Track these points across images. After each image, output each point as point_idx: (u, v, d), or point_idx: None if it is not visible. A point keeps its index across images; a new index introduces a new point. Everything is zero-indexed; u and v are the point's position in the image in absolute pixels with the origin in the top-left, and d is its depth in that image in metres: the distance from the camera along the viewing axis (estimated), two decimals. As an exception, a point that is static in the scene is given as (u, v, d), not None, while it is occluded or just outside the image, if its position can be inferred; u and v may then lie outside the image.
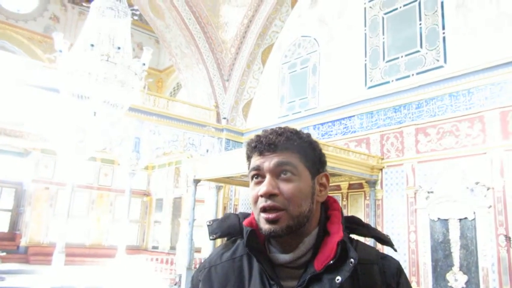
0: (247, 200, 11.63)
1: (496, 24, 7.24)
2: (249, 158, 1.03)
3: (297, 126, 10.05)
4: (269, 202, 0.93)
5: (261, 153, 0.98)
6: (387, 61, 8.87)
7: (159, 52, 17.01)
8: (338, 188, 9.32)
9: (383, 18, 9.10)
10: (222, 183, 10.71)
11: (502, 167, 6.78)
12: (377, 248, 1.10)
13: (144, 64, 4.85)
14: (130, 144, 10.13)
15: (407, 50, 8.51)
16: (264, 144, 0.98)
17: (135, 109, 9.90)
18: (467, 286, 6.89)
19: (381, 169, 8.48)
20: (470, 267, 6.92)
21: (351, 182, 9.04)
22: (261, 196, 0.94)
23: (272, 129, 1.03)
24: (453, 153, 7.41)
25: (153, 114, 10.50)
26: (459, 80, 7.53)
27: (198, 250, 11.16)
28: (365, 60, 9.31)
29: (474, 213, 7.00)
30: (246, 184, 10.64)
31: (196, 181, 9.84)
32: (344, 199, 9.17)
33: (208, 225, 1.08)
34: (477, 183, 7.01)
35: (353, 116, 9.25)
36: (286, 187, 0.95)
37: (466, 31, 7.64)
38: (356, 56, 9.49)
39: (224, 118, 11.80)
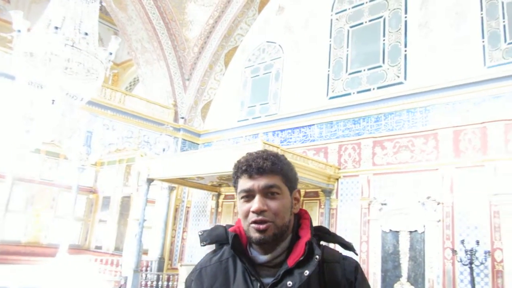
0: (199, 202, 11.42)
1: (455, 47, 7.59)
2: (237, 178, 1.21)
3: (256, 131, 10.04)
4: (260, 217, 1.13)
5: (250, 176, 1.16)
6: (349, 73, 9.06)
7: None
8: (294, 195, 9.33)
9: (348, 31, 9.30)
10: (176, 184, 10.44)
11: (452, 183, 7.07)
12: (339, 252, 1.31)
13: (111, 54, 4.59)
14: (81, 138, 9.63)
15: (370, 64, 8.73)
16: (253, 168, 1.16)
17: (89, 101, 9.43)
18: (413, 297, 7.09)
19: (338, 179, 8.60)
20: (417, 278, 7.13)
21: (308, 190, 9.09)
22: (253, 212, 1.14)
23: (257, 153, 1.21)
24: (408, 167, 7.64)
25: (108, 108, 10.06)
26: (417, 97, 7.81)
27: (146, 252, 10.79)
28: (328, 71, 9.45)
29: (424, 226, 7.24)
30: (200, 187, 10.45)
31: (149, 181, 9.53)
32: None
33: (199, 235, 1.26)
34: (428, 197, 7.26)
35: (313, 125, 9.34)
36: (272, 204, 1.16)
37: (427, 51, 7.94)
38: (320, 66, 9.62)
39: (182, 118, 11.54)
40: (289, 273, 1.13)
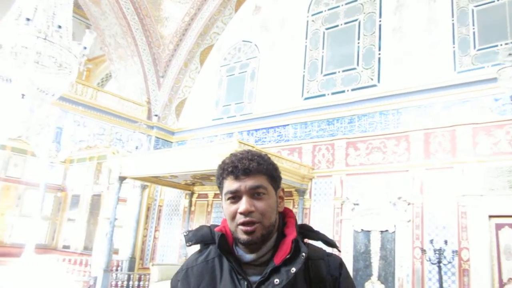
0: (172, 201, 11.30)
1: (427, 51, 7.80)
2: (223, 179, 1.21)
3: (231, 130, 10.02)
4: (248, 218, 1.13)
5: (237, 177, 1.17)
6: (324, 75, 9.16)
7: (88, 39, 15.90)
8: (267, 195, 9.36)
9: (324, 32, 9.40)
10: (148, 182, 10.30)
11: (422, 184, 7.26)
12: (323, 249, 1.34)
13: (85, 48, 4.46)
14: (50, 134, 9.36)
15: (344, 66, 8.86)
16: (239, 169, 1.16)
17: (59, 97, 9.17)
18: (383, 295, 7.24)
19: (311, 179, 8.68)
20: (387, 277, 7.29)
21: (281, 190, 9.13)
22: (241, 213, 1.14)
23: (242, 154, 1.21)
24: (380, 168, 7.80)
25: (79, 104, 9.81)
26: (390, 100, 7.97)
27: (116, 252, 10.59)
28: (304, 72, 9.53)
29: (395, 226, 7.41)
30: (173, 185, 10.34)
31: (122, 179, 9.36)
32: (273, 206, 9.23)
33: (184, 235, 1.27)
34: (399, 198, 7.43)
35: (288, 125, 9.40)
36: (259, 205, 1.16)
37: (400, 55, 8.13)
38: (295, 67, 9.69)
39: (156, 116, 11.39)
40: (276, 271, 1.15)
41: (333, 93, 8.89)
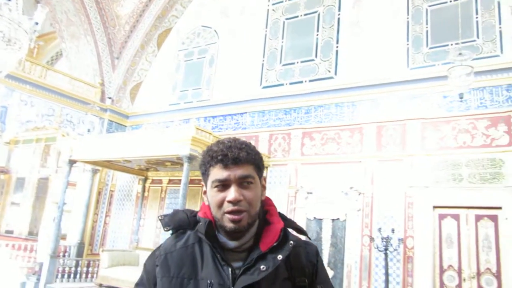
0: (124, 186, 11.06)
1: (383, 47, 8.04)
2: (210, 166, 1.20)
3: (188, 116, 9.91)
4: (236, 207, 1.14)
5: (226, 166, 1.16)
6: (283, 65, 9.23)
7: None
8: (223, 182, 9.38)
9: (284, 22, 9.45)
10: (100, 166, 10.01)
11: (373, 175, 7.55)
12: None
13: (37, 23, 4.21)
14: (-6, 113, 8.84)
15: (303, 57, 8.97)
16: (229, 158, 1.16)
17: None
18: (332, 281, 7.50)
19: (267, 167, 8.77)
20: (337, 263, 7.56)
21: (237, 177, 9.18)
22: (230, 201, 1.14)
23: (229, 142, 1.20)
24: (334, 158, 8.01)
25: (26, 82, 9.30)
26: (345, 92, 8.18)
27: (64, 237, 10.24)
28: (263, 61, 9.55)
29: (346, 214, 7.68)
30: (126, 170, 10.12)
31: (72, 162, 9.05)
32: (228, 194, 9.26)
33: (160, 219, 1.26)
34: (351, 188, 7.69)
35: (245, 113, 9.42)
36: (247, 194, 1.17)
37: (357, 49, 8.33)
38: (255, 55, 9.69)
39: (110, 98, 11.02)
40: (262, 257, 1.16)
41: (291, 83, 8.99)
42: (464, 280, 6.52)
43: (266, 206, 1.28)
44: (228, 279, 1.14)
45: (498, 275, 6.31)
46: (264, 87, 9.37)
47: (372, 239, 7.20)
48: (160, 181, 10.48)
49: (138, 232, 10.29)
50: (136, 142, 8.24)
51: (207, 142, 7.43)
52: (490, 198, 6.50)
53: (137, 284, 1.25)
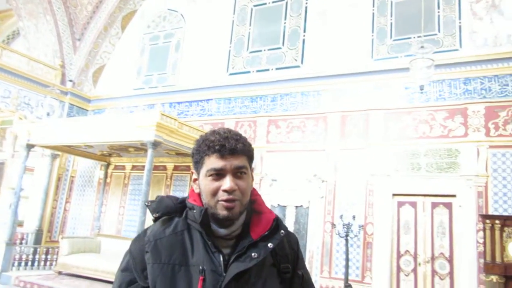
0: (86, 172, 10.79)
1: (348, 37, 8.17)
2: (205, 155, 1.22)
3: (153, 101, 9.76)
4: (231, 196, 1.18)
5: (222, 156, 1.20)
6: (250, 52, 9.21)
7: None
8: (188, 168, 9.34)
9: (252, 9, 9.40)
10: (60, 151, 9.71)
11: (336, 163, 7.71)
12: None
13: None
14: None
15: (270, 45, 8.98)
16: (227, 148, 1.20)
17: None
18: (295, 266, 7.65)
19: (232, 155, 8.77)
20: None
21: (202, 164, 9.13)
22: (225, 191, 1.18)
23: (225, 133, 1.24)
24: (299, 146, 8.12)
25: (-20, 62, 8.85)
26: (311, 81, 8.27)
27: (21, 224, 9.90)
28: (230, 47, 9.49)
29: (309, 202, 7.83)
30: (87, 155, 9.88)
31: (29, 146, 8.75)
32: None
33: (147, 205, 1.29)
34: (314, 175, 7.83)
35: (212, 99, 9.36)
36: (241, 183, 1.21)
37: (323, 38, 8.42)
38: (222, 41, 9.60)
39: (71, 81, 10.65)
40: (253, 245, 1.21)
41: (258, 71, 8.99)
42: (419, 264, 6.82)
43: (253, 196, 1.31)
44: (220, 265, 1.18)
45: (450, 260, 6.64)
46: (230, 74, 9.33)
47: (333, 225, 7.38)
48: (123, 167, 10.29)
49: (100, 219, 10.09)
50: (98, 127, 8.04)
51: (172, 128, 7.35)
52: (445, 186, 6.80)
53: (123, 270, 1.25)
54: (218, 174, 1.20)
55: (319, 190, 7.77)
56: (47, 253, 9.38)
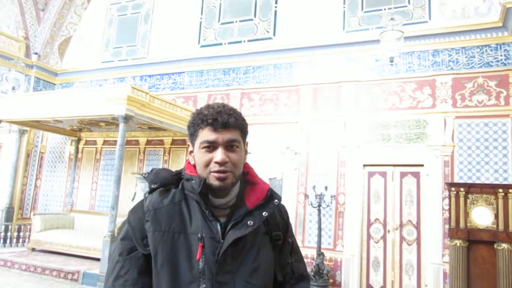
0: (56, 148, 10.57)
1: (320, 9, 8.12)
2: (199, 128, 1.28)
3: (123, 74, 9.54)
4: (222, 167, 1.24)
5: (215, 129, 1.25)
6: (222, 23, 9.06)
7: None
8: (161, 142, 9.27)
9: (223, -21, 9.18)
10: (28, 127, 9.44)
11: (309, 135, 7.80)
12: None
13: None
14: None
15: (242, 17, 8.84)
16: (219, 122, 1.25)
17: None
18: (269, 237, 7.82)
19: (206, 128, 8.74)
20: (273, 220, 7.85)
21: (175, 138, 9.10)
22: (217, 162, 1.24)
23: (218, 107, 1.29)
24: (272, 119, 8.16)
25: None
26: (283, 53, 8.25)
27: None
28: (201, 18, 9.30)
29: (282, 173, 7.93)
30: (57, 131, 9.68)
31: (-5, 122, 8.45)
32: (166, 154, 9.19)
33: (145, 177, 1.35)
34: (287, 147, 7.92)
35: (183, 72, 9.23)
36: (233, 156, 1.27)
37: (295, 10, 8.34)
38: (192, 12, 9.39)
39: (36, 54, 10.25)
40: (248, 214, 1.29)
41: (230, 43, 8.88)
42: (389, 231, 7.09)
43: (245, 168, 1.38)
44: (217, 232, 1.25)
45: (418, 226, 6.92)
46: (202, 46, 9.18)
47: (306, 196, 7.54)
48: (94, 142, 10.12)
49: (73, 195, 9.97)
50: (67, 101, 7.83)
51: (143, 101, 7.24)
52: (414, 156, 7.01)
53: (122, 238, 1.29)
54: (211, 147, 1.26)
55: (292, 162, 7.87)
56: (19, 230, 9.26)
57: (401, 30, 5.63)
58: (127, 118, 7.08)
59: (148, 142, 9.46)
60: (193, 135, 1.31)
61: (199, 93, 8.99)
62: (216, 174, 1.25)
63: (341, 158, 7.48)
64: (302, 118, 7.90)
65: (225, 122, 1.26)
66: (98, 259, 7.28)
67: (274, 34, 8.49)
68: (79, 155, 10.21)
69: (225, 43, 8.93)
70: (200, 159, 1.28)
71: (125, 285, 1.23)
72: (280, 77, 8.26)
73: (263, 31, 8.60)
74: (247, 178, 1.38)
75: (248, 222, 1.27)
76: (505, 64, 6.62)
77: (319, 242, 7.03)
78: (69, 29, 10.77)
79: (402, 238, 7.00)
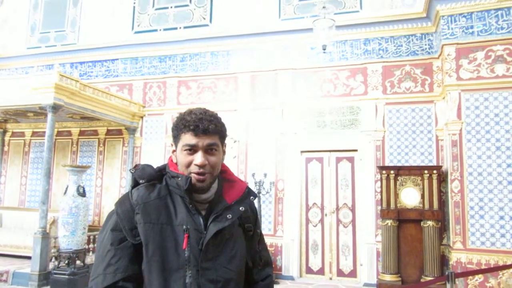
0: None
1: (256, -4, 8.09)
2: (182, 132, 1.39)
3: (51, 61, 9.03)
4: (201, 170, 1.37)
5: (196, 135, 1.37)
6: (156, 9, 8.78)
7: None
8: (95, 133, 8.90)
9: (157, -38, 8.87)
10: None
11: (248, 123, 7.83)
12: None
13: None
14: None
15: (177, 2, 8.63)
16: (200, 129, 1.36)
17: None
18: (210, 225, 7.81)
19: (142, 117, 8.52)
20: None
21: (110, 128, 8.77)
22: (197, 165, 1.37)
23: (200, 114, 1.40)
24: (210, 107, 7.82)
25: None
26: (220, 41, 8.16)
27: None
28: (134, 3, 8.96)
29: (222, 162, 7.90)
30: None
31: None
32: (101, 145, 8.84)
33: (132, 172, 1.46)
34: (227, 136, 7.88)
35: (117, 59, 8.87)
36: (211, 159, 1.40)
37: (232, -4, 8.25)
38: (125, -4, 9.01)
39: (-50, 38, 9.39)
40: (228, 208, 1.44)
41: (165, 29, 8.64)
42: (326, 215, 7.33)
43: (223, 167, 1.53)
44: (200, 224, 1.39)
45: (353, 209, 7.22)
46: (136, 32, 8.86)
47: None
48: (22, 134, 9.52)
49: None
50: (-12, 91, 7.26)
51: (73, 90, 6.88)
52: (348, 142, 7.27)
53: (112, 229, 1.37)
54: (192, 150, 1.38)
55: (232, 150, 7.87)
56: None
57: (332, 19, 5.76)
58: (55, 108, 6.70)
59: (82, 133, 9.04)
60: (176, 137, 1.43)
61: (135, 81, 8.70)
62: (196, 176, 1.38)
63: (280, 145, 7.59)
64: (240, 106, 7.91)
65: (206, 128, 1.37)
66: (28, 257, 6.90)
67: (210, 21, 8.37)
68: (6, 148, 9.56)
69: (160, 30, 8.67)
70: (182, 160, 1.40)
71: (116, 272, 1.31)
72: (217, 64, 8.18)
73: (199, 18, 8.45)
74: (224, 176, 1.53)
75: (227, 216, 1.41)
76: (429, 53, 7.00)
77: (259, 229, 7.12)
78: (-12, 12, 9.93)
79: (338, 221, 7.28)
